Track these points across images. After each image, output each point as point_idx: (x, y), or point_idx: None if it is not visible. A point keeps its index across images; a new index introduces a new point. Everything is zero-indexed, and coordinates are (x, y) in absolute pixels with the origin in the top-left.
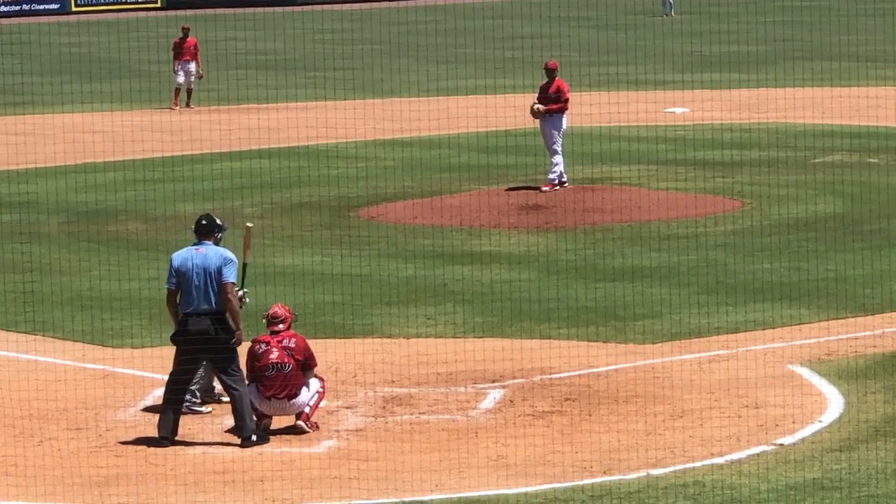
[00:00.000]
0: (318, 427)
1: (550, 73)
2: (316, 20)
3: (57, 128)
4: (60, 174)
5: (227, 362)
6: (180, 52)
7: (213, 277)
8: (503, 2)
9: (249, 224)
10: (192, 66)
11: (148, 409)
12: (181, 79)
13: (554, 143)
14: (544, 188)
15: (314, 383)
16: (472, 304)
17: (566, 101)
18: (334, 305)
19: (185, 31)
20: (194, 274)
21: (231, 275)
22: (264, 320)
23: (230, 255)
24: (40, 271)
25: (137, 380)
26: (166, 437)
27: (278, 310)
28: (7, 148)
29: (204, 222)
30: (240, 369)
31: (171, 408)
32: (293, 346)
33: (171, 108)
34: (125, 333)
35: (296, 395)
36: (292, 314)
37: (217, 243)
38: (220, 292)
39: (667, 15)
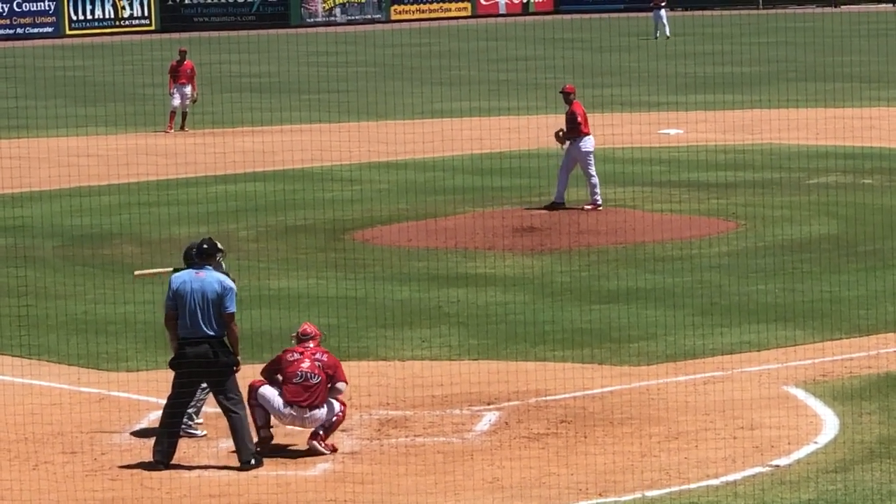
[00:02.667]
0: (335, 449)
1: (566, 97)
2: (310, 42)
3: (51, 151)
4: (55, 198)
5: (226, 385)
6: (177, 74)
7: (212, 303)
8: (497, 24)
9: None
10: (188, 90)
11: (143, 433)
12: (176, 101)
13: (587, 166)
14: (587, 207)
15: (336, 405)
16: (468, 326)
17: (579, 124)
18: (329, 328)
19: (183, 53)
20: (191, 298)
21: (232, 305)
22: (294, 339)
23: (230, 282)
24: (35, 295)
25: (133, 403)
26: (161, 461)
27: (307, 327)
28: (1, 172)
29: (205, 246)
30: (239, 392)
31: (168, 431)
32: (324, 360)
33: (165, 132)
34: (120, 357)
35: (316, 407)
36: (321, 332)
37: (218, 267)
38: (220, 321)
39: (656, 38)
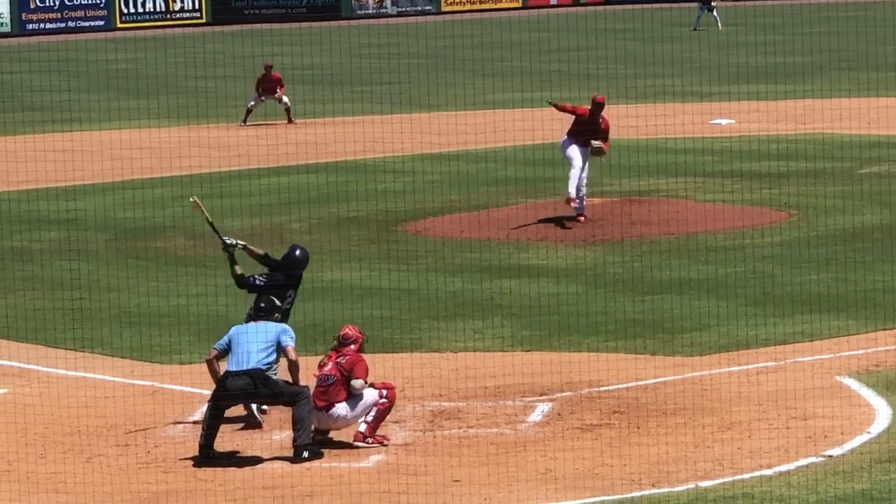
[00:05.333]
0: (385, 440)
1: (600, 107)
2: (361, 34)
3: (103, 144)
4: (107, 191)
5: (278, 397)
6: (263, 87)
7: (270, 342)
8: (548, 14)
9: (193, 198)
10: (278, 95)
11: (196, 425)
12: (252, 102)
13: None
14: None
15: (369, 395)
16: (520, 317)
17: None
18: (382, 320)
19: (268, 68)
20: (248, 340)
21: (289, 339)
22: (335, 341)
23: (289, 328)
24: (88, 288)
25: (185, 395)
26: (206, 450)
27: (348, 331)
28: (54, 165)
29: (262, 305)
30: (293, 386)
31: (208, 423)
32: (344, 361)
33: (238, 125)
34: (173, 349)
35: (332, 407)
36: (362, 334)
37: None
38: (283, 355)
39: (695, 30)
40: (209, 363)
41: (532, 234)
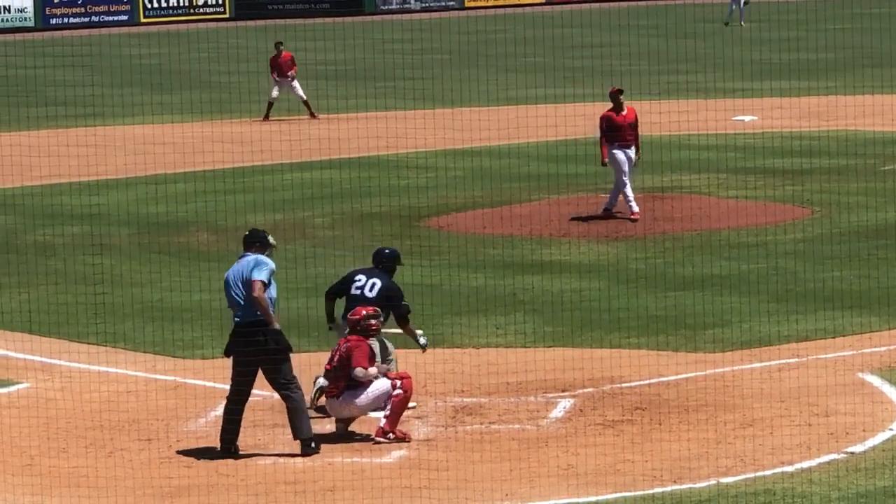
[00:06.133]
0: (408, 437)
1: (619, 97)
2: (385, 30)
3: (127, 139)
4: (130, 185)
5: (279, 373)
6: (277, 66)
7: (248, 283)
8: (572, 11)
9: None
10: (291, 79)
11: (217, 420)
12: (275, 93)
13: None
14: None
15: (380, 385)
16: (542, 313)
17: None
18: None
19: (278, 45)
20: (232, 283)
21: (258, 273)
22: (350, 323)
23: (263, 258)
24: (111, 283)
25: (208, 390)
26: (228, 447)
27: (361, 311)
28: (77, 160)
29: (247, 233)
30: (294, 377)
31: (229, 419)
32: (349, 345)
33: (261, 121)
34: (195, 344)
35: (340, 393)
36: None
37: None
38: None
39: (727, 24)
40: None
41: (554, 230)
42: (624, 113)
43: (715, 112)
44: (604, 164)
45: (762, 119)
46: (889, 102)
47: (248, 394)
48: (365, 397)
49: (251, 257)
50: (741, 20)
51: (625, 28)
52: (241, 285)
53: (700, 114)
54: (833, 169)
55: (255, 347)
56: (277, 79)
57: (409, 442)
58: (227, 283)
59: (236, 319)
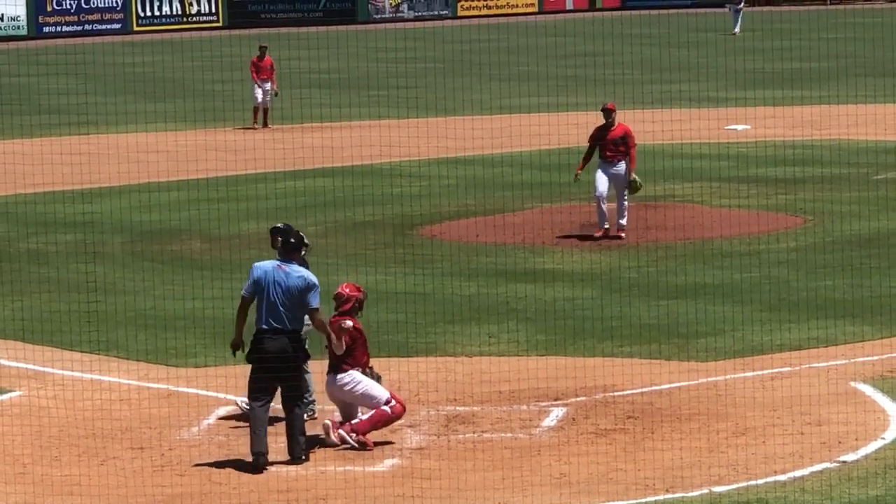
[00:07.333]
0: (368, 445)
1: (610, 114)
2: (378, 39)
3: (119, 147)
4: (123, 194)
5: (296, 383)
6: (258, 70)
7: (295, 300)
8: (565, 20)
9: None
10: (269, 86)
11: (210, 429)
12: (260, 97)
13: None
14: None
15: (380, 391)
16: (535, 321)
17: (633, 147)
18: (396, 324)
19: (263, 49)
20: (272, 291)
21: (315, 301)
22: (334, 301)
23: (313, 278)
24: (103, 291)
25: (200, 399)
26: (261, 452)
27: (343, 290)
28: (70, 168)
29: (293, 241)
30: (307, 391)
31: (255, 426)
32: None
33: (253, 128)
34: (188, 353)
35: (339, 371)
36: (361, 291)
37: (302, 263)
38: (310, 319)
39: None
40: None
41: (547, 239)
42: (612, 128)
43: (708, 121)
44: (575, 179)
45: (755, 128)
46: (882, 112)
47: (270, 400)
48: (360, 387)
49: (299, 274)
50: (735, 28)
51: (618, 37)
52: (290, 304)
53: (693, 123)
54: (826, 178)
55: (284, 355)
56: (258, 81)
57: (371, 450)
58: (267, 291)
59: (263, 325)
